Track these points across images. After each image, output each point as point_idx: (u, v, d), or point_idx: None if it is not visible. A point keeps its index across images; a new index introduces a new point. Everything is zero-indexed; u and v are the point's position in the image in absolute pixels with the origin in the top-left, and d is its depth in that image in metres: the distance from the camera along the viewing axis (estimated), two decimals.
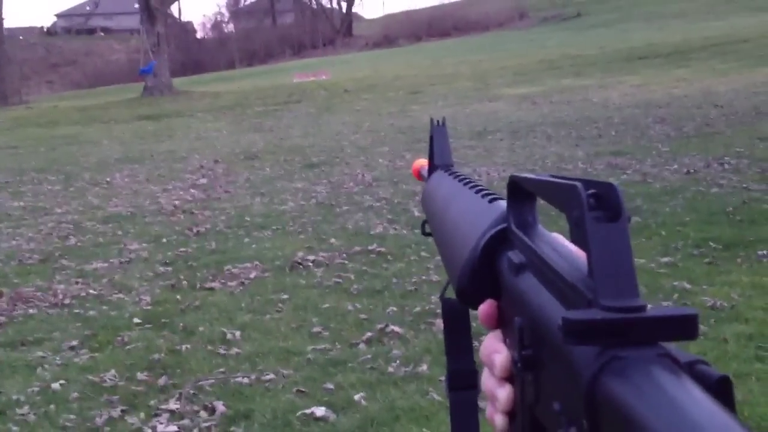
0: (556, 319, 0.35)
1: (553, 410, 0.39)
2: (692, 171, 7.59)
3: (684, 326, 0.34)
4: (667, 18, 37.38)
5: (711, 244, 5.15)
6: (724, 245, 5.10)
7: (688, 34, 26.87)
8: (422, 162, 0.95)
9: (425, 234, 0.79)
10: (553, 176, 0.43)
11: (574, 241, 0.39)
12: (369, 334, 4.10)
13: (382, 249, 5.73)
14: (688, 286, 4.41)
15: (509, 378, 0.48)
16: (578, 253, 0.40)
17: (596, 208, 0.37)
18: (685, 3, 43.06)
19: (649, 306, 0.35)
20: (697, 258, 4.93)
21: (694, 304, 4.09)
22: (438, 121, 0.87)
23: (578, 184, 0.38)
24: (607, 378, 0.33)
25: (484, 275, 0.53)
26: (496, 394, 0.49)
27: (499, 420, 0.50)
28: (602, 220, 0.37)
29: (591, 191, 0.38)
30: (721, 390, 0.33)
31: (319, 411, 3.27)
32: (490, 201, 0.58)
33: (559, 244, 0.45)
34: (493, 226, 0.54)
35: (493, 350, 0.50)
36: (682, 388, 0.31)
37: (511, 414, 0.49)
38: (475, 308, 0.55)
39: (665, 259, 4.93)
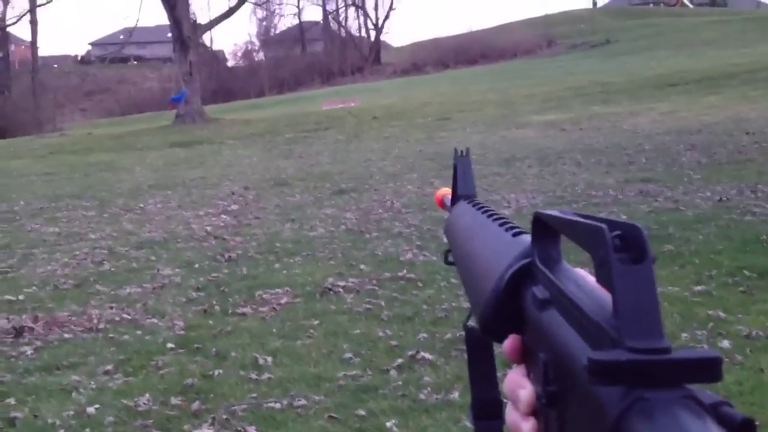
0: (581, 358, 0.36)
1: None
2: (725, 198, 7.53)
3: (708, 369, 0.34)
4: (696, 45, 37.20)
5: (745, 272, 5.09)
6: (759, 273, 5.04)
7: (718, 61, 26.71)
8: (445, 191, 0.95)
9: (448, 263, 0.78)
10: (578, 215, 0.43)
11: (599, 281, 0.40)
12: (400, 360, 4.10)
13: (412, 275, 5.74)
14: (722, 314, 4.37)
15: (533, 413, 0.48)
16: (602, 292, 0.41)
17: (621, 250, 0.37)
18: (715, 31, 42.84)
19: (673, 347, 0.35)
20: (732, 287, 4.88)
21: (729, 334, 4.05)
22: (462, 151, 0.87)
23: (604, 226, 0.38)
24: (632, 419, 0.34)
25: (507, 309, 0.53)
26: (521, 429, 0.49)
27: None
28: (627, 261, 0.37)
29: (616, 233, 0.38)
30: None
31: None
32: (514, 235, 0.58)
33: (584, 282, 0.45)
34: (517, 261, 0.54)
35: (518, 385, 0.50)
36: (706, 430, 0.32)
37: None
38: (499, 341, 0.55)
39: (699, 288, 4.89)
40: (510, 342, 0.53)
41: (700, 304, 4.58)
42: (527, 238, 0.54)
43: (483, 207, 0.73)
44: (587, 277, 0.46)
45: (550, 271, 0.48)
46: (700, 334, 4.09)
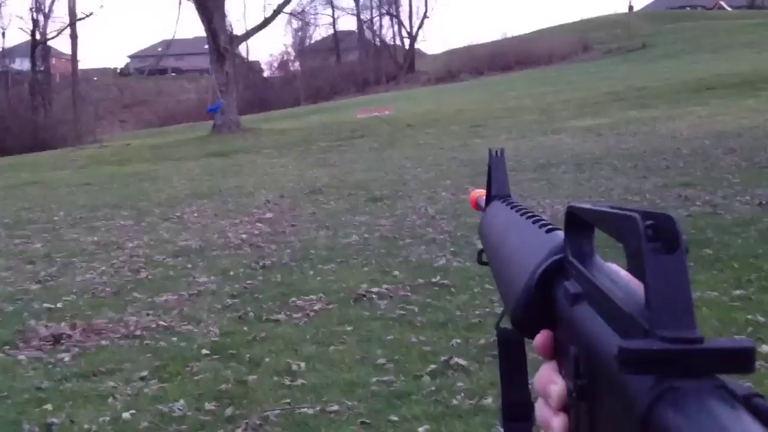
0: (612, 349, 0.35)
1: None
2: (764, 202, 7.39)
3: (741, 359, 0.34)
4: (734, 48, 36.66)
5: None
6: None
7: (757, 64, 26.28)
8: (480, 192, 0.95)
9: (481, 263, 0.79)
10: (611, 206, 0.43)
11: (631, 271, 0.40)
12: (433, 366, 4.09)
13: (446, 281, 5.72)
14: (761, 319, 4.28)
15: (564, 408, 0.48)
16: (635, 284, 0.40)
17: (654, 240, 0.37)
18: (753, 33, 42.19)
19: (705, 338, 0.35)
20: None
21: None
22: (496, 152, 0.87)
23: (636, 215, 0.38)
24: (662, 408, 0.33)
25: (540, 304, 0.53)
26: (551, 424, 0.49)
27: None
28: (660, 251, 0.37)
29: (649, 222, 0.38)
30: None
31: None
32: (548, 231, 0.58)
33: (616, 275, 0.45)
34: (550, 256, 0.54)
35: (549, 381, 0.50)
36: (738, 420, 0.31)
37: None
38: (531, 337, 0.55)
39: (738, 292, 4.80)
40: (541, 337, 0.53)
41: (738, 308, 4.50)
42: (560, 235, 0.55)
43: (517, 206, 0.74)
44: (620, 271, 0.46)
45: (583, 266, 0.48)
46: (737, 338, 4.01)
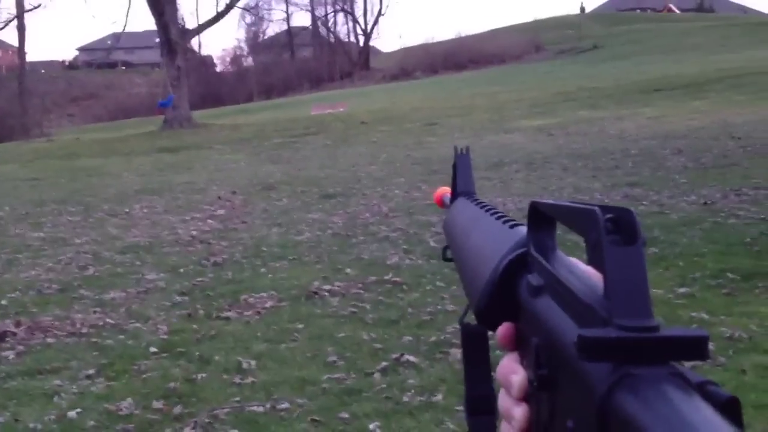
0: (572, 338, 0.36)
1: (567, 428, 0.40)
2: (710, 202, 7.56)
3: (695, 347, 0.35)
4: (682, 51, 37.43)
5: (729, 274, 5.11)
6: (743, 276, 5.06)
7: (704, 66, 26.89)
8: (445, 190, 0.96)
9: (446, 260, 0.80)
10: (572, 202, 0.44)
11: (591, 263, 0.40)
12: (384, 363, 4.10)
13: (398, 279, 5.74)
14: (706, 316, 4.38)
15: (525, 398, 0.49)
16: (595, 276, 0.41)
17: (613, 232, 0.38)
18: (701, 36, 43.15)
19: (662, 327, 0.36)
20: (715, 289, 4.90)
21: (712, 335, 4.05)
22: (462, 150, 0.88)
23: (596, 208, 0.39)
24: (619, 394, 0.34)
25: (503, 297, 0.54)
26: (513, 414, 0.50)
27: None
28: (619, 243, 0.38)
29: (608, 216, 0.39)
30: (730, 411, 0.33)
31: None
32: (511, 227, 0.59)
33: (577, 268, 0.46)
34: (513, 250, 0.55)
35: (510, 371, 0.51)
36: (693, 406, 0.32)
37: None
38: (494, 330, 0.56)
39: (683, 290, 4.90)
40: (503, 329, 0.54)
41: (683, 306, 4.60)
42: (523, 230, 0.56)
43: (481, 203, 0.75)
44: (581, 264, 0.47)
45: (545, 259, 0.48)
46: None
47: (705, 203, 7.53)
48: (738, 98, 18.19)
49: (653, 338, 0.35)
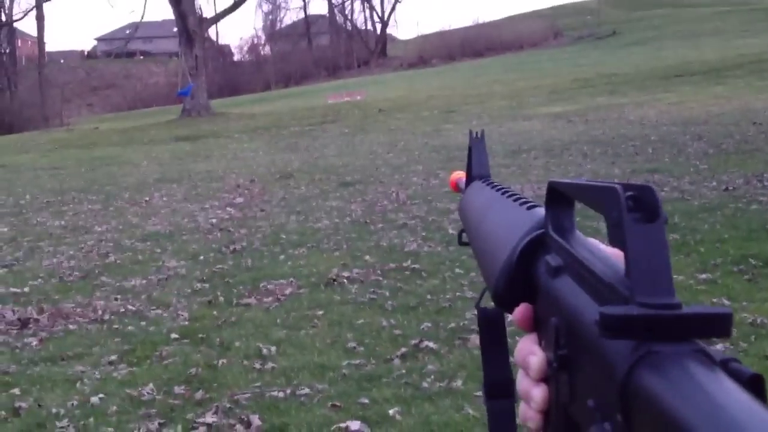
0: (593, 317, 0.36)
1: (588, 407, 0.39)
2: (731, 188, 7.49)
3: (718, 324, 0.35)
4: (702, 36, 37.04)
5: (751, 260, 5.07)
6: (764, 261, 5.02)
7: (725, 51, 26.59)
8: (459, 174, 0.95)
9: (462, 244, 0.79)
10: (591, 180, 0.44)
11: (611, 241, 0.40)
12: (403, 349, 4.10)
13: (417, 266, 5.74)
14: (727, 302, 4.35)
15: (544, 379, 0.49)
16: (615, 256, 0.41)
17: (634, 210, 0.38)
18: (721, 21, 42.66)
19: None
20: (737, 275, 4.86)
21: (734, 321, 4.02)
22: (476, 133, 0.87)
23: (618, 186, 0.39)
24: (642, 371, 0.34)
25: (520, 279, 0.54)
26: (531, 395, 0.49)
27: (534, 419, 0.50)
28: (640, 221, 0.38)
29: (629, 193, 0.39)
30: (753, 387, 0.33)
31: (354, 425, 3.27)
32: (528, 208, 0.59)
33: (597, 248, 0.46)
34: (532, 231, 0.54)
35: (529, 352, 0.50)
36: (717, 381, 0.32)
37: (545, 414, 0.50)
38: (511, 312, 0.55)
39: (704, 276, 4.87)
40: (521, 309, 0.53)
41: (705, 292, 4.57)
42: (541, 211, 0.55)
43: (497, 185, 0.74)
44: (600, 244, 0.47)
45: (564, 240, 0.48)
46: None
47: (726, 189, 7.47)
48: (759, 84, 17.99)
49: (676, 315, 0.35)
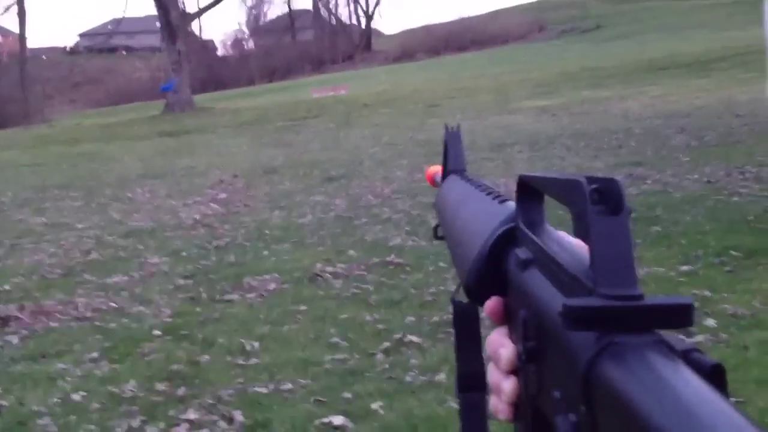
0: (558, 309, 0.36)
1: (554, 399, 0.40)
2: (713, 180, 7.53)
3: (679, 315, 0.35)
4: (687, 29, 37.21)
5: (732, 252, 5.09)
6: (745, 253, 5.04)
7: (709, 44, 26.72)
8: (436, 168, 0.96)
9: (437, 238, 0.80)
10: (558, 173, 0.44)
11: (576, 233, 0.40)
12: (387, 344, 4.10)
13: (401, 260, 5.73)
14: (708, 294, 4.37)
15: (514, 371, 0.49)
16: (582, 248, 0.41)
17: (599, 202, 0.38)
18: (705, 14, 42.89)
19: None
20: (718, 266, 4.88)
21: (715, 313, 4.05)
22: (452, 127, 0.87)
23: (581, 179, 0.39)
24: (603, 362, 0.34)
25: (491, 272, 0.54)
26: (501, 387, 0.50)
27: (504, 411, 0.51)
28: (604, 213, 0.38)
29: (594, 186, 0.39)
30: (714, 377, 0.33)
31: (338, 420, 3.27)
32: (500, 202, 0.60)
33: (564, 240, 0.46)
34: (503, 225, 0.55)
35: (499, 344, 0.51)
36: (677, 372, 0.32)
37: (515, 405, 0.50)
38: (482, 305, 0.56)
39: (685, 268, 4.89)
40: (491, 303, 0.54)
41: (686, 284, 4.59)
42: (512, 205, 0.56)
43: (471, 180, 0.75)
44: (568, 237, 0.47)
45: (533, 233, 0.49)
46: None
47: (708, 181, 7.50)
48: (743, 76, 18.07)
49: (637, 306, 0.35)
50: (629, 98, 16.74)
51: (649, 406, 0.30)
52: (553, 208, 0.48)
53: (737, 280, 4.60)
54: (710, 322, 3.89)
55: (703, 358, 0.34)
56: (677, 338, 0.35)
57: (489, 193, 0.64)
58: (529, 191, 0.51)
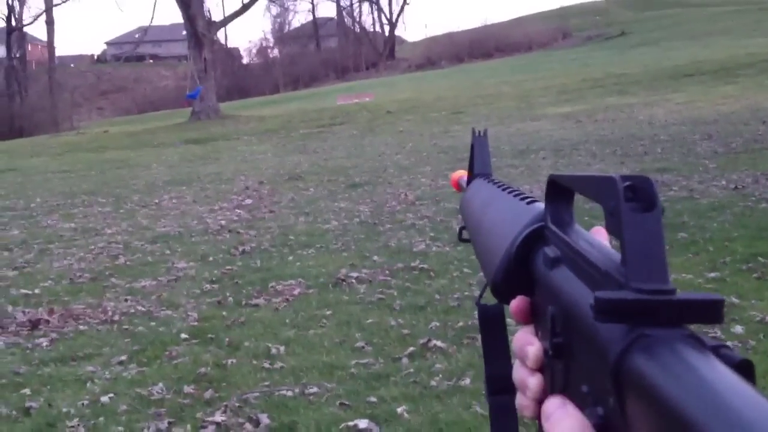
0: (589, 303, 0.37)
1: (581, 393, 0.40)
2: (740, 187, 7.47)
3: (710, 310, 0.35)
4: (712, 35, 36.90)
5: (760, 259, 5.05)
6: None
7: (734, 50, 26.48)
8: (461, 173, 0.97)
9: (462, 240, 0.80)
10: (590, 172, 0.45)
11: (609, 230, 0.40)
12: (411, 348, 4.11)
13: (425, 266, 5.74)
14: (736, 300, 4.34)
15: (540, 368, 0.50)
16: (601, 236, 0.42)
17: (632, 200, 0.39)
18: (730, 20, 42.49)
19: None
20: (746, 273, 4.85)
21: (743, 319, 4.02)
22: (479, 132, 0.88)
23: (615, 176, 0.39)
24: (635, 354, 0.34)
25: (519, 270, 0.55)
26: (527, 383, 0.51)
27: (529, 408, 0.52)
28: (637, 210, 0.38)
29: (627, 183, 0.39)
30: (743, 372, 0.33)
31: (363, 423, 3.28)
32: (528, 203, 0.60)
33: (594, 239, 0.46)
34: (531, 224, 0.55)
35: (526, 342, 0.51)
36: (710, 364, 0.32)
37: (540, 402, 0.50)
38: (508, 303, 0.56)
39: (713, 275, 4.86)
40: (517, 302, 0.54)
41: (713, 290, 4.55)
42: (540, 206, 0.56)
43: (498, 182, 0.75)
44: (598, 235, 0.48)
45: (562, 232, 0.49)
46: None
47: (735, 188, 7.44)
48: None
49: (668, 301, 0.35)
50: (654, 105, 16.64)
51: (682, 397, 0.30)
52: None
53: (765, 286, 4.56)
54: (738, 328, 3.86)
55: (732, 353, 0.34)
56: (706, 336, 0.36)
57: (517, 195, 0.64)
58: (559, 191, 0.51)
